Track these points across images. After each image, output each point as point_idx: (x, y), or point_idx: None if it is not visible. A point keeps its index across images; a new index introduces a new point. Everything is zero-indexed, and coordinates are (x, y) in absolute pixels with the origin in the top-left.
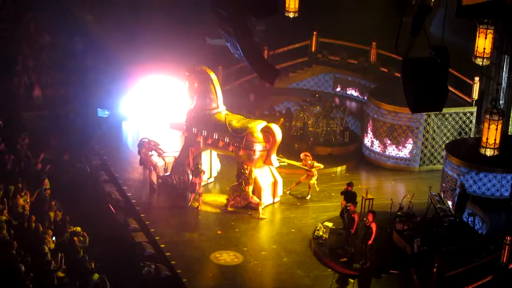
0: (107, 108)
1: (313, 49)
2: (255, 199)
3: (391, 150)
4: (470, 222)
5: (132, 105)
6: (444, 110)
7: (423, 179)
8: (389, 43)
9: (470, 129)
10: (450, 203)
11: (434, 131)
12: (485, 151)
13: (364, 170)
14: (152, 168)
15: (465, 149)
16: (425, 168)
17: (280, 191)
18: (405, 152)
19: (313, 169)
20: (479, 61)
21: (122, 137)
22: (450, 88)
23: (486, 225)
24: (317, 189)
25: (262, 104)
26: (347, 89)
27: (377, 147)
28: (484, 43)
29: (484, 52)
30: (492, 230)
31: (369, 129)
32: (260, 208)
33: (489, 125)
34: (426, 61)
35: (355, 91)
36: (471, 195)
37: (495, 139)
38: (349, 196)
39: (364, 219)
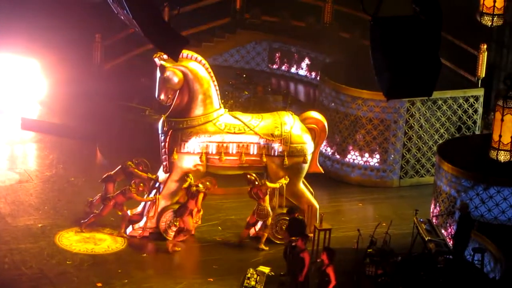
0: None
1: (237, 5)
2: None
3: (357, 157)
4: (476, 261)
5: None
6: (435, 95)
7: (405, 198)
8: None
9: (474, 122)
10: (445, 233)
11: (421, 127)
12: (497, 154)
13: (317, 186)
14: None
15: (467, 153)
16: (407, 182)
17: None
18: (377, 159)
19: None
20: (487, 21)
21: None
22: (443, 62)
23: (500, 265)
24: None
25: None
26: (290, 65)
27: (335, 152)
28: None
29: (494, 7)
30: (509, 272)
31: None
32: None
33: (502, 115)
34: (408, 22)
35: (302, 69)
36: (477, 221)
37: None
38: (294, 226)
39: (318, 260)
